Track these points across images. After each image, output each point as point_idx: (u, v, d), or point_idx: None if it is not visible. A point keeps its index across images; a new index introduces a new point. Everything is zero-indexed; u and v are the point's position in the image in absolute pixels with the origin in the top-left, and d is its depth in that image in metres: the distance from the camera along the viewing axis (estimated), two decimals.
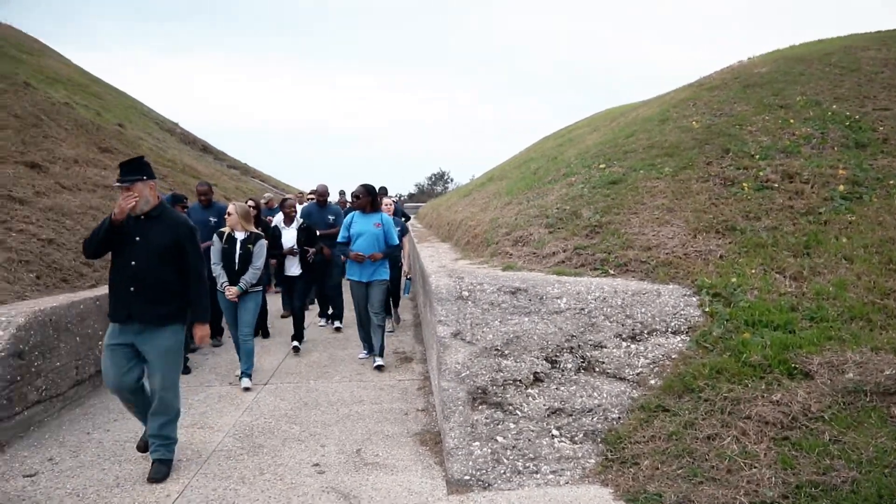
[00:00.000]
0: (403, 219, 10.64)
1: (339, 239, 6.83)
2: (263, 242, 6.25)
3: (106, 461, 4.38)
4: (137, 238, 4.08)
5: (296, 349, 7.48)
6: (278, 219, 8.31)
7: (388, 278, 6.82)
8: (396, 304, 9.19)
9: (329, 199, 9.42)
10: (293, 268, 7.72)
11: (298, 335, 7.62)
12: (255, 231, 6.29)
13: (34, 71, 15.96)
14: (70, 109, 13.86)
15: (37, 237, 6.90)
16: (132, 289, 4.05)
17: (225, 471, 4.23)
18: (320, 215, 8.95)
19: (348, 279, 6.85)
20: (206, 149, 22.44)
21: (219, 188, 15.72)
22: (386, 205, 8.36)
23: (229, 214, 6.16)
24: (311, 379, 6.38)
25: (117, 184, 4.04)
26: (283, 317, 9.51)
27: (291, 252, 7.61)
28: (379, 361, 6.67)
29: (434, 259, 7.26)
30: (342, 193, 15.53)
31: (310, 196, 11.29)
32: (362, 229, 6.64)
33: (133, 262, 4.05)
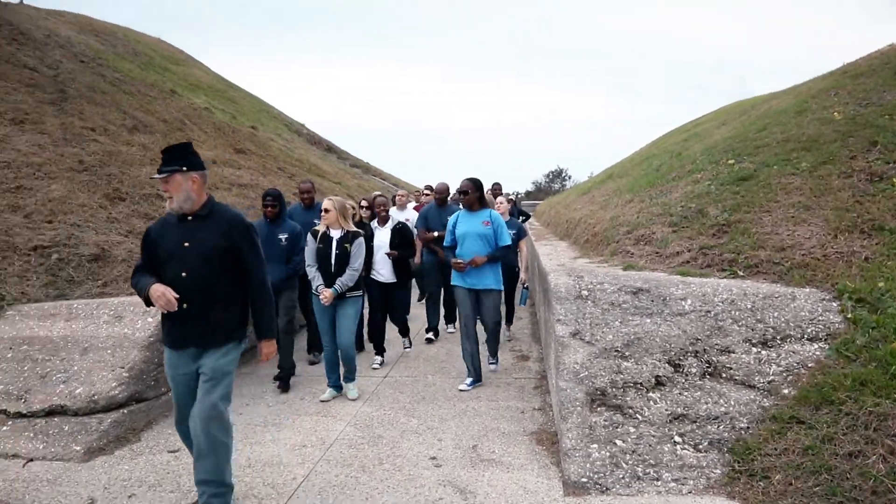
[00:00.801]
0: (522, 218, 10.27)
1: (445, 243, 6.10)
2: (362, 241, 5.64)
3: (239, 442, 4.67)
4: (186, 244, 3.43)
5: (412, 343, 7.48)
6: (393, 211, 7.89)
7: (499, 288, 5.95)
8: (510, 319, 8.15)
9: (449, 199, 8.45)
10: (385, 273, 6.95)
11: (405, 332, 7.34)
12: (354, 229, 5.69)
13: (179, 79, 17.24)
14: (209, 114, 14.88)
15: None
16: (185, 305, 3.40)
17: (347, 458, 4.40)
18: (438, 216, 7.84)
19: (453, 285, 6.04)
20: (330, 148, 23.38)
21: (342, 186, 16.32)
22: (499, 203, 7.87)
23: (326, 211, 5.59)
24: (430, 374, 6.50)
25: (156, 175, 3.49)
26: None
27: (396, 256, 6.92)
28: (493, 366, 6.41)
29: (552, 257, 7.19)
30: (429, 190, 14.80)
31: (425, 192, 10.63)
32: (468, 229, 5.86)
33: (184, 274, 3.41)
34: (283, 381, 6.13)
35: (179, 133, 11.98)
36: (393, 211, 8.49)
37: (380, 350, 6.97)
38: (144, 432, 4.93)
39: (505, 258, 6.24)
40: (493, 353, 6.41)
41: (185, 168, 3.41)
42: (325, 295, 5.52)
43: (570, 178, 59.75)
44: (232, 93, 20.39)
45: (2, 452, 4.51)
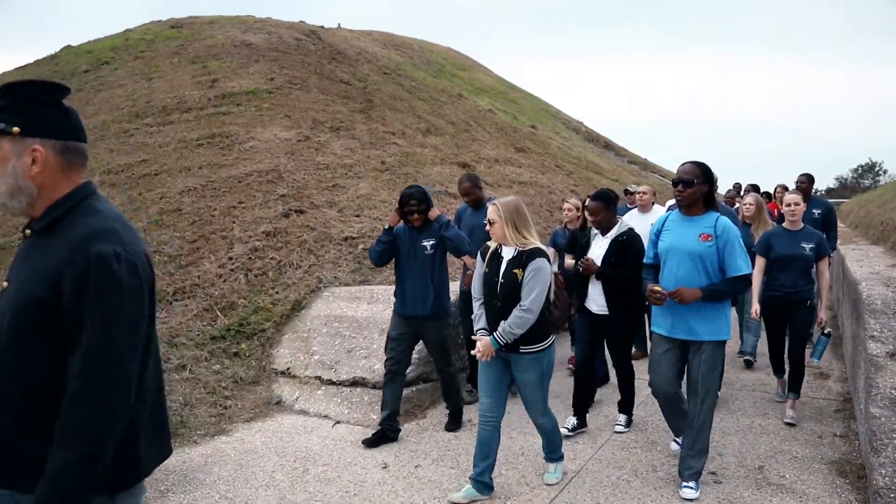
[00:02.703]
0: (827, 230, 6.73)
1: (644, 259, 4.14)
2: (542, 266, 3.61)
3: (514, 430, 4.85)
4: (5, 284, 1.71)
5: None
6: (631, 216, 6.20)
7: (717, 338, 3.76)
8: (796, 385, 5.06)
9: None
10: (597, 298, 4.77)
11: (626, 406, 4.95)
12: (534, 245, 3.69)
13: (466, 84, 18.41)
14: (492, 115, 15.65)
15: None
16: None
17: (619, 460, 4.32)
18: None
19: (652, 331, 4.01)
20: (607, 145, 23.12)
21: (619, 184, 16.06)
22: (747, 205, 6.11)
23: (490, 223, 3.75)
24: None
25: None
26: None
27: (589, 269, 4.72)
28: (691, 490, 3.81)
29: (863, 264, 6.27)
30: (737, 189, 11.74)
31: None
32: (679, 242, 3.78)
33: None
34: (453, 418, 5.02)
35: (465, 134, 12.82)
36: (633, 214, 6.45)
37: (579, 409, 4.88)
38: (430, 410, 5.36)
39: (734, 291, 3.88)
40: (688, 448, 3.88)
41: (14, 129, 1.65)
42: (478, 346, 3.69)
43: (884, 172, 51.64)
44: (513, 94, 21.21)
45: (317, 412, 5.26)
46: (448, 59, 20.78)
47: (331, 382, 5.52)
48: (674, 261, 3.76)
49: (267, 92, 11.40)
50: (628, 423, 4.90)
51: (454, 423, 4.95)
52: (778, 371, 5.43)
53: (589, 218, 4.86)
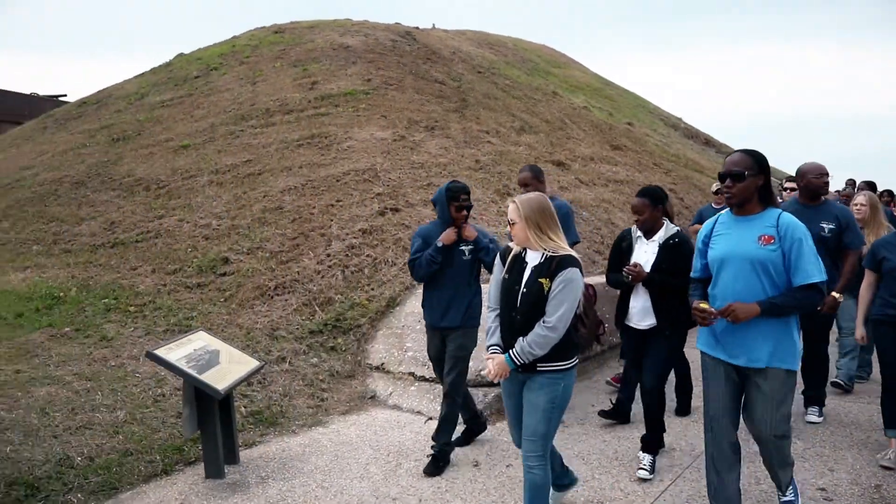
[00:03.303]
0: None
1: (693, 272, 3.44)
2: (574, 276, 3.07)
3: (607, 434, 4.74)
4: None
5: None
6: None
7: (786, 367, 3.11)
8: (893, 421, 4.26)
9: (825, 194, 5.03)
10: (640, 313, 4.27)
11: (651, 445, 4.19)
12: (565, 251, 3.14)
13: (560, 81, 18.17)
14: (587, 112, 15.37)
15: None
16: None
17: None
18: (806, 220, 3.95)
19: (701, 352, 3.33)
20: (708, 142, 22.23)
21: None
22: (858, 205, 5.41)
23: (511, 223, 3.23)
24: None
25: None
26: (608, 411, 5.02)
27: (637, 275, 4.17)
28: (788, 499, 3.43)
29: None
30: (851, 185, 10.85)
31: (788, 185, 7.44)
32: (734, 248, 3.15)
33: None
34: (465, 436, 4.66)
35: (560, 132, 12.66)
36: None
37: (649, 446, 4.19)
38: None
39: (801, 305, 3.09)
40: (782, 485, 3.45)
41: None
42: (492, 365, 3.19)
43: None
44: (609, 90, 20.76)
45: (410, 408, 5.33)
46: (542, 57, 20.58)
47: (423, 379, 5.57)
48: (729, 271, 3.12)
49: (364, 93, 11.67)
50: (651, 469, 4.09)
51: (432, 467, 4.20)
52: (892, 424, 4.23)
53: (633, 217, 4.30)
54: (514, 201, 3.19)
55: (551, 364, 3.11)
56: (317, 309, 6.44)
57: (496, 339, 3.25)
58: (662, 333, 4.18)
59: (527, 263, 3.18)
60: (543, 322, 3.04)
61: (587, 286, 3.57)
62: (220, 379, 4.09)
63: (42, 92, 32.87)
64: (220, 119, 11.36)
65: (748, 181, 3.07)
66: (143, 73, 15.85)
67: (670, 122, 21.68)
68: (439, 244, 4.17)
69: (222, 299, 6.75)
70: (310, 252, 7.25)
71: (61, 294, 7.13)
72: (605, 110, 17.09)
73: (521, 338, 3.09)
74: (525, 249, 3.22)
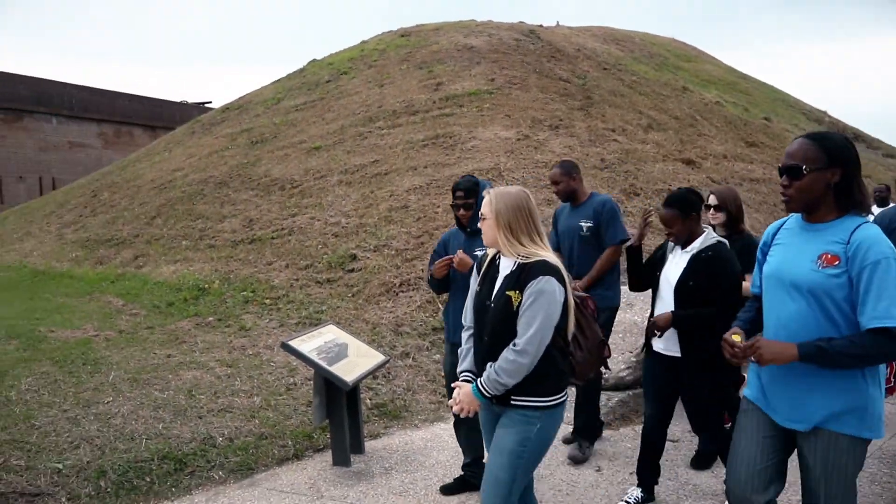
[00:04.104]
0: None
1: (752, 288, 2.62)
2: (546, 287, 2.47)
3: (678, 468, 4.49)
4: None
5: None
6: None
7: (858, 433, 2.24)
8: None
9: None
10: (663, 339, 3.50)
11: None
12: (540, 256, 2.54)
13: (691, 76, 17.43)
14: (720, 108, 14.63)
15: None
16: None
17: (867, 496, 3.82)
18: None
19: (743, 395, 2.56)
20: (858, 137, 20.53)
21: (872, 180, 14.19)
22: None
23: (482, 219, 2.66)
24: None
25: None
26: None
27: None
28: None
29: None
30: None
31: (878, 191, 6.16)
32: (785, 265, 2.35)
33: None
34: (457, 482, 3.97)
35: (690, 129, 12.13)
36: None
37: (644, 480, 3.72)
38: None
39: (863, 356, 2.17)
40: None
41: None
42: (457, 395, 2.63)
43: None
44: (744, 84, 19.65)
45: None
46: (671, 51, 19.80)
47: None
48: (775, 296, 2.34)
49: (488, 93, 11.73)
50: None
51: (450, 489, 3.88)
52: None
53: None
54: (488, 192, 2.64)
55: (526, 398, 2.50)
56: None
57: (468, 363, 2.71)
58: (689, 370, 3.41)
59: (499, 273, 2.63)
60: (512, 345, 2.45)
61: (585, 298, 2.79)
62: (348, 371, 4.24)
63: (190, 100, 35.60)
64: (350, 121, 11.81)
65: (810, 178, 2.22)
66: (279, 80, 16.78)
67: (813, 116, 20.22)
68: (430, 274, 3.75)
69: (350, 295, 7.01)
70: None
71: (206, 286, 7.69)
72: (739, 105, 16.19)
73: (490, 363, 2.52)
74: (499, 255, 2.68)
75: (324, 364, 4.16)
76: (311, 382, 4.48)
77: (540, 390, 2.50)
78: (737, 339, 2.32)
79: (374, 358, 4.67)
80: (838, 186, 2.23)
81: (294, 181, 10.12)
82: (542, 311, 2.43)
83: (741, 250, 3.72)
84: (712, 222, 4.01)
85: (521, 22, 17.26)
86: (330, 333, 4.63)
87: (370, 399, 5.24)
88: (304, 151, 11.16)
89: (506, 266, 2.61)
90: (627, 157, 9.74)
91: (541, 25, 17.44)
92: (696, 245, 3.41)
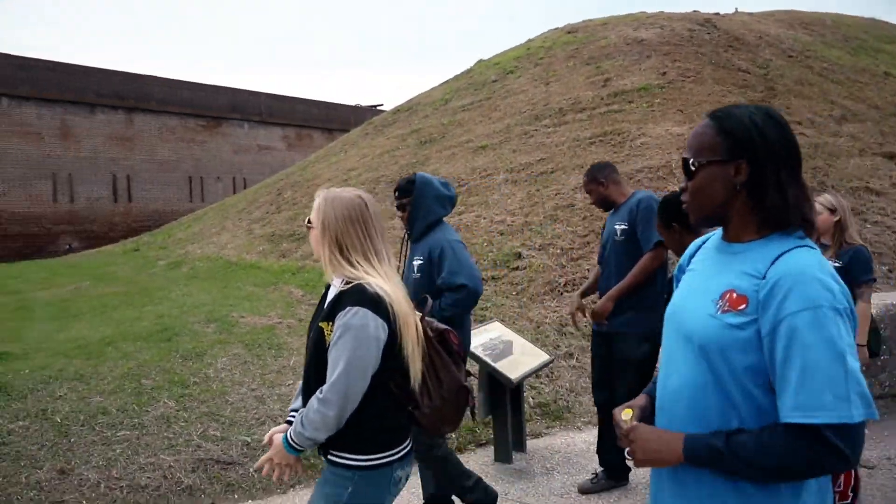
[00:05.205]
0: None
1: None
2: (357, 320, 1.95)
3: None
4: None
5: None
6: None
7: None
8: None
9: None
10: None
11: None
12: (366, 278, 2.02)
13: (894, 59, 15.62)
14: None
15: (891, 229, 6.78)
16: None
17: None
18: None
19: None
20: None
21: None
22: None
23: (309, 227, 2.21)
24: None
25: None
26: None
27: None
28: None
29: None
30: None
31: None
32: (679, 306, 1.60)
33: None
34: None
35: (893, 119, 10.88)
36: None
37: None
38: None
39: (768, 468, 1.36)
40: None
41: None
42: (269, 454, 2.14)
43: None
44: None
45: None
46: (870, 32, 17.84)
47: None
48: (669, 350, 1.59)
49: (659, 87, 11.26)
50: None
51: None
52: None
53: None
54: (319, 193, 2.14)
55: (339, 454, 2.04)
56: None
57: (298, 402, 2.24)
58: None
59: (326, 298, 2.17)
60: (319, 391, 1.98)
61: (443, 331, 2.19)
62: (512, 368, 4.27)
63: (364, 103, 37.61)
64: (516, 120, 11.86)
65: (702, 175, 1.51)
66: (446, 81, 17.22)
67: None
68: None
69: (514, 293, 7.04)
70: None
71: None
72: None
73: (300, 413, 2.06)
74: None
75: (489, 360, 4.22)
76: (475, 377, 4.57)
77: (357, 446, 2.02)
78: (625, 416, 1.59)
79: (538, 357, 4.67)
80: (750, 188, 1.47)
81: (461, 180, 10.34)
82: (346, 351, 1.93)
83: (849, 264, 3.25)
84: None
85: (695, 11, 16.38)
86: (495, 330, 4.68)
87: (533, 398, 5.24)
88: (470, 151, 11.37)
89: (333, 289, 2.14)
90: (817, 151, 8.92)
91: (717, 13, 16.43)
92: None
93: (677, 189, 1.71)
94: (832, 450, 1.28)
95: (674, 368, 1.52)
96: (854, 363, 1.30)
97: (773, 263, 1.39)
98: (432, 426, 2.13)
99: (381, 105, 35.93)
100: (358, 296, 1.96)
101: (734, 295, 1.42)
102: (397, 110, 16.88)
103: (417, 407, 2.06)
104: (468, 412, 2.33)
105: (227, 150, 29.20)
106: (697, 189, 1.51)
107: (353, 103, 37.04)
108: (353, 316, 1.93)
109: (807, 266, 1.36)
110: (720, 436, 1.37)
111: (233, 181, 28.83)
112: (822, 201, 3.77)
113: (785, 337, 1.32)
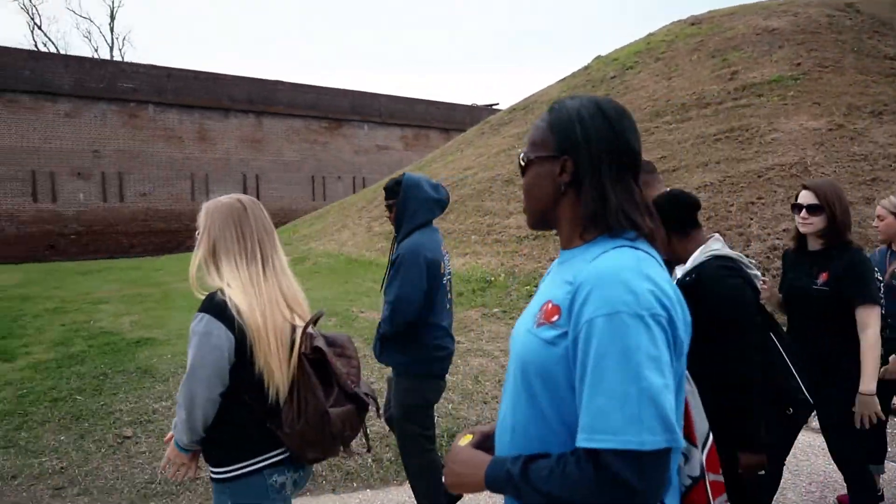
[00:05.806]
0: None
1: None
2: (202, 327, 1.91)
3: None
4: None
5: None
6: None
7: None
8: None
9: None
10: None
11: None
12: (222, 286, 1.97)
13: None
14: None
15: None
16: None
17: None
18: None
19: None
20: None
21: None
22: None
23: (199, 235, 2.16)
24: None
25: None
26: None
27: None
28: None
29: None
30: None
31: None
32: (515, 329, 1.41)
33: None
34: None
35: None
36: None
37: None
38: None
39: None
40: None
41: None
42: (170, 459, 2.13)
43: None
44: None
45: None
46: None
47: None
48: (509, 372, 1.39)
49: (792, 79, 10.57)
50: None
51: None
52: None
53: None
54: (205, 205, 2.08)
55: (213, 470, 2.03)
56: None
57: None
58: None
59: None
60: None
61: (322, 351, 2.05)
62: None
63: (480, 102, 37.82)
64: (636, 117, 11.40)
65: (530, 173, 1.38)
66: (563, 78, 17.00)
67: None
68: None
69: None
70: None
71: (492, 279, 8.10)
72: None
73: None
74: None
75: None
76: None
77: (221, 458, 2.00)
78: (462, 442, 1.41)
79: None
80: (577, 189, 1.31)
81: None
82: (190, 357, 1.91)
83: (846, 269, 2.77)
84: (803, 230, 2.93)
85: None
86: None
87: None
88: None
89: None
90: None
91: None
92: (688, 266, 2.51)
93: None
94: (616, 480, 1.09)
95: (505, 393, 1.37)
96: (655, 379, 1.10)
97: (587, 267, 1.22)
98: (297, 448, 1.99)
99: (497, 104, 36.02)
100: (207, 303, 1.94)
101: (549, 305, 1.26)
102: (513, 109, 16.85)
103: (280, 426, 1.95)
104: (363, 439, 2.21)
105: (348, 151, 30.29)
106: (527, 188, 1.38)
107: (469, 103, 37.37)
108: (199, 323, 1.91)
109: (614, 267, 1.18)
110: (518, 461, 1.21)
111: (353, 180, 29.87)
112: (885, 204, 3.42)
113: (581, 349, 1.15)
